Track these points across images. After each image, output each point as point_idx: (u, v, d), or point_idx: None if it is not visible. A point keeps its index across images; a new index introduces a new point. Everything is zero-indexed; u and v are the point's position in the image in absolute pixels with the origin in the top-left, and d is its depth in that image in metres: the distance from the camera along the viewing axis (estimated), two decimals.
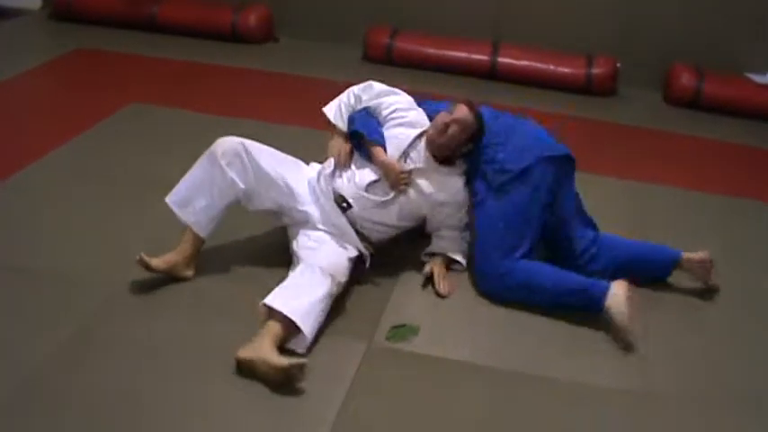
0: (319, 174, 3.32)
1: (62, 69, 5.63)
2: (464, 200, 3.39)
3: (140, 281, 3.10)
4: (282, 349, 2.73)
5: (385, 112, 3.42)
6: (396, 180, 3.25)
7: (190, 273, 3.17)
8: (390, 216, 3.31)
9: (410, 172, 3.29)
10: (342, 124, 3.44)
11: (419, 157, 3.33)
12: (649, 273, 3.43)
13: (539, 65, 6.03)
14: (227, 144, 3.15)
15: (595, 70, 5.95)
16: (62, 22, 6.52)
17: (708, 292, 3.44)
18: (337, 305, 3.09)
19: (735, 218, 4.22)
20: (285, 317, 2.75)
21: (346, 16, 6.55)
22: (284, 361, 2.61)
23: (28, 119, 4.69)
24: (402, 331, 2.98)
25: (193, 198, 3.14)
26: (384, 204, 3.27)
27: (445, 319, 3.14)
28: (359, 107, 3.46)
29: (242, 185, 3.13)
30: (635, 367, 2.94)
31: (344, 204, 3.23)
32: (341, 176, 3.29)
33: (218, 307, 3.02)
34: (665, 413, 2.73)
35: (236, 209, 3.23)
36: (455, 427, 2.57)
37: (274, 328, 2.74)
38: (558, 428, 2.62)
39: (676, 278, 3.47)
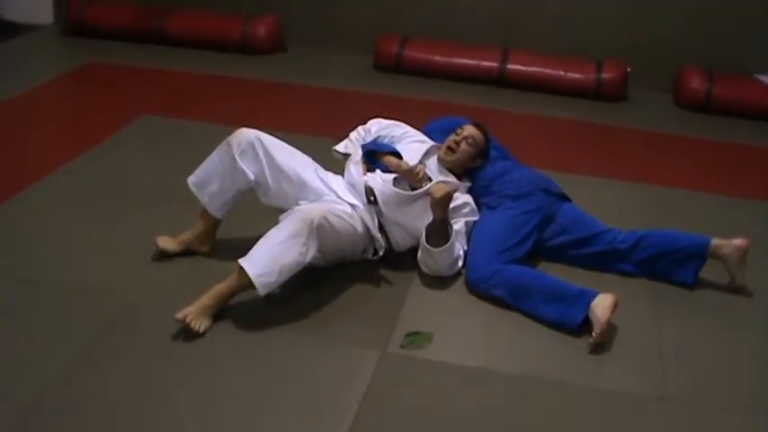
0: (348, 164, 3.49)
1: (74, 83, 5.67)
2: (473, 212, 3.52)
3: (154, 289, 3.13)
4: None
5: (397, 133, 3.66)
6: (414, 175, 3.36)
7: (205, 248, 3.38)
8: (414, 216, 3.35)
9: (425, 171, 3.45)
10: (353, 151, 3.60)
11: (434, 166, 3.53)
12: (682, 251, 3.42)
13: (548, 71, 6.02)
14: (243, 135, 3.28)
15: (605, 75, 5.95)
16: (74, 37, 6.57)
17: (728, 295, 3.43)
18: (351, 313, 3.11)
19: (751, 220, 4.20)
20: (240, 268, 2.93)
21: (356, 25, 6.57)
22: (180, 315, 2.85)
23: (41, 133, 4.72)
24: (416, 338, 2.98)
25: (209, 181, 3.31)
26: (410, 200, 3.34)
27: (459, 325, 3.14)
28: (369, 138, 3.64)
29: (251, 177, 3.26)
30: (651, 372, 2.93)
31: (372, 198, 3.32)
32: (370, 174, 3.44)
33: (236, 310, 3.02)
34: (680, 418, 2.71)
35: None
36: None
37: (221, 285, 2.96)
38: None
39: (699, 281, 3.47)
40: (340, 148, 3.67)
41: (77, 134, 4.68)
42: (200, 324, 2.86)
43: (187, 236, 3.34)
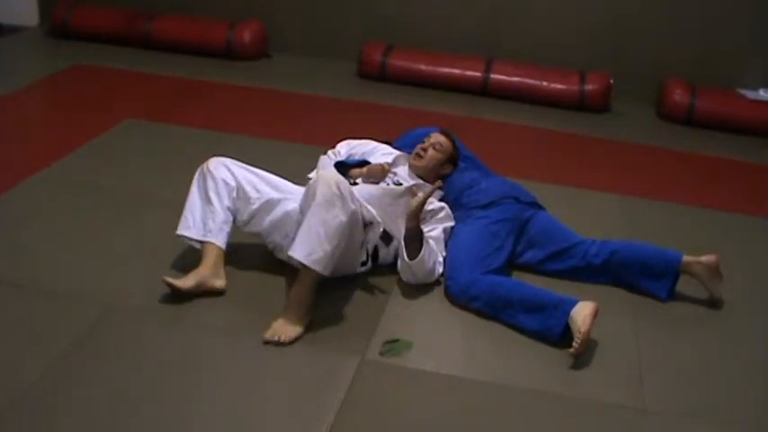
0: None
1: (59, 86, 5.65)
2: (448, 216, 3.52)
3: (135, 295, 3.12)
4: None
5: (367, 149, 3.75)
6: (373, 172, 3.46)
7: (219, 283, 3.18)
8: (396, 215, 3.36)
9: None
10: None
11: (405, 173, 3.59)
12: (656, 269, 3.43)
13: (532, 81, 6.05)
14: (214, 158, 3.32)
15: (589, 86, 5.98)
16: (59, 39, 6.56)
17: (707, 308, 3.44)
18: (331, 319, 3.10)
19: (731, 233, 4.23)
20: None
21: (341, 33, 6.59)
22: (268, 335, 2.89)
23: (24, 135, 4.71)
24: (395, 346, 2.98)
25: (197, 216, 3.25)
26: (383, 195, 3.37)
27: (438, 334, 3.15)
28: (340, 159, 3.69)
29: (233, 183, 3.26)
30: (631, 383, 2.94)
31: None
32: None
33: (217, 315, 3.03)
34: (660, 429, 2.73)
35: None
36: None
37: (295, 287, 3.01)
38: None
39: (677, 293, 3.48)
40: (313, 175, 3.65)
41: (61, 137, 4.66)
42: (287, 334, 2.91)
43: (199, 273, 3.13)
